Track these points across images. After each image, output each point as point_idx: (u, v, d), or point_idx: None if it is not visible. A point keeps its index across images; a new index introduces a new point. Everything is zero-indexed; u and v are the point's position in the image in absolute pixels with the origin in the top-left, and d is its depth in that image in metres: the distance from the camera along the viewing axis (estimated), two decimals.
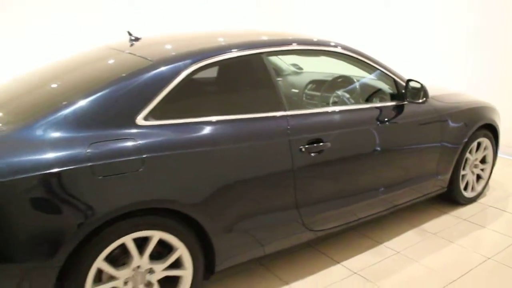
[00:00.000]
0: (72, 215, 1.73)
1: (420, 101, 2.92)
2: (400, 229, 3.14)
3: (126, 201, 1.82)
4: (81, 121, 1.83)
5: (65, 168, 1.71)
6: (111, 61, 2.26)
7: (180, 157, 1.95)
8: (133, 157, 1.84)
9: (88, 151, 1.77)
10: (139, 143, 1.87)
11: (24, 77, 2.45)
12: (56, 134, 1.77)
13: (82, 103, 1.87)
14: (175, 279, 2.12)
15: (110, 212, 1.79)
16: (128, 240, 1.90)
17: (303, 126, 2.36)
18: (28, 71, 2.55)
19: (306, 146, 2.32)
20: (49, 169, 1.68)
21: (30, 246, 1.69)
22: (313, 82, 3.56)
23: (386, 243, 2.94)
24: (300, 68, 3.88)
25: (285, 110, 2.32)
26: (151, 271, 2.02)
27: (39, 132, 1.76)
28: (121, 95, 1.92)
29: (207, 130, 2.06)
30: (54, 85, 2.18)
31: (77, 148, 1.76)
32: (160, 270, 2.04)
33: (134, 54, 2.20)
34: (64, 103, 1.86)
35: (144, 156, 1.86)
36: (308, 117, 2.43)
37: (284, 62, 3.78)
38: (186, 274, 2.10)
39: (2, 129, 1.79)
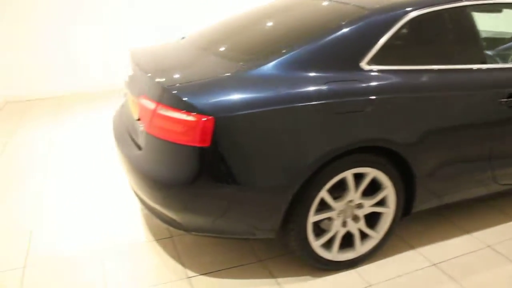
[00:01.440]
0: (309, 148, 1.93)
1: None
2: (492, 219, 2.76)
3: (354, 137, 1.99)
4: (312, 63, 2.00)
5: (304, 104, 1.90)
6: (325, 10, 2.40)
7: (399, 101, 2.07)
8: (361, 98, 1.99)
9: (324, 89, 1.94)
10: (365, 85, 2.01)
11: (236, 19, 2.74)
12: (291, 73, 1.97)
13: (311, 47, 2.03)
14: (376, 217, 2.29)
15: (341, 147, 1.97)
16: (349, 174, 2.08)
17: (504, 79, 2.37)
18: (236, 15, 2.86)
19: (506, 99, 2.33)
20: (291, 104, 1.89)
21: (272, 173, 1.92)
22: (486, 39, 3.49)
23: (475, 233, 2.64)
24: None
25: (487, 63, 2.36)
26: (359, 206, 2.20)
27: (275, 70, 1.96)
28: (345, 42, 2.06)
29: (422, 77, 2.15)
30: (273, 28, 2.41)
31: (314, 86, 1.94)
32: (368, 205, 2.21)
33: (348, 4, 2.32)
34: (293, 45, 2.04)
35: (370, 97, 2.00)
36: (508, 71, 2.43)
37: None
38: (389, 212, 2.26)
39: (242, 67, 2.02)
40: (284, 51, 2.03)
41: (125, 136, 2.41)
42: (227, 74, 1.98)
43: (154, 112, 1.94)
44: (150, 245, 2.50)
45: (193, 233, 2.07)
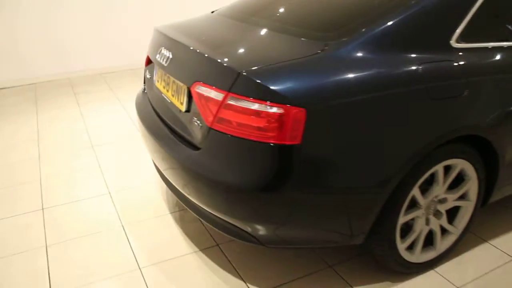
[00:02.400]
0: (410, 139, 1.67)
1: None
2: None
3: (455, 125, 1.75)
4: (404, 41, 1.72)
5: (406, 89, 1.64)
6: None
7: (493, 82, 1.85)
8: (458, 81, 1.75)
9: (422, 71, 1.68)
10: (460, 66, 1.77)
11: None
12: (382, 54, 1.67)
13: (395, 24, 1.73)
14: (454, 211, 2.08)
15: (442, 136, 1.73)
16: (440, 167, 1.85)
17: None
18: None
19: None
20: (390, 89, 1.61)
21: (370, 170, 1.65)
22: None
23: (492, 241, 2.31)
24: None
25: None
26: (442, 201, 1.99)
27: (364, 51, 1.66)
28: (431, 18, 1.80)
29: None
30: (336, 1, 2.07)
31: (411, 69, 1.67)
32: (452, 200, 2.00)
33: None
34: (374, 20, 1.74)
35: (466, 80, 1.77)
36: None
37: None
38: (470, 205, 2.06)
39: (324, 46, 1.70)
40: (363, 28, 1.72)
41: (163, 131, 2.05)
42: (310, 55, 1.66)
43: (222, 103, 1.61)
44: (196, 256, 2.18)
45: (270, 246, 1.77)
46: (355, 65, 1.62)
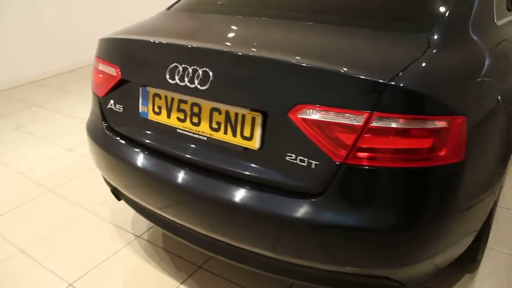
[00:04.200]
0: None
1: None
2: None
3: None
4: (475, 25, 1.53)
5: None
6: None
7: None
8: None
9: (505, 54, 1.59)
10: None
11: None
12: (476, 38, 1.49)
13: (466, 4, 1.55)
14: None
15: None
16: None
17: None
18: None
19: None
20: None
21: None
22: None
23: None
24: None
25: None
26: None
27: (461, 41, 1.45)
28: None
29: None
30: None
31: (497, 53, 1.56)
32: None
33: None
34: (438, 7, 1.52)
35: None
36: None
37: None
38: None
39: (427, 41, 1.40)
40: (437, 12, 1.49)
41: (191, 177, 1.51)
42: (426, 52, 1.34)
43: (363, 128, 1.20)
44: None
45: (411, 284, 1.45)
46: (473, 56, 1.44)
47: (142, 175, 1.62)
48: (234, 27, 1.75)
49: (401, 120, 1.19)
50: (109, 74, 1.74)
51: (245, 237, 1.44)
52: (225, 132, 1.44)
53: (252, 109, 1.36)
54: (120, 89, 1.73)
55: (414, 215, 1.27)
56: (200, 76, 1.42)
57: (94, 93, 1.88)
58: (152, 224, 2.26)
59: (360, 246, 1.31)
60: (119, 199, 2.04)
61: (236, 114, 1.40)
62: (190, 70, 1.45)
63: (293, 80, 1.29)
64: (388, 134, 1.20)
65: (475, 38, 1.49)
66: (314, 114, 1.26)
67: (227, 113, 1.42)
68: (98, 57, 1.82)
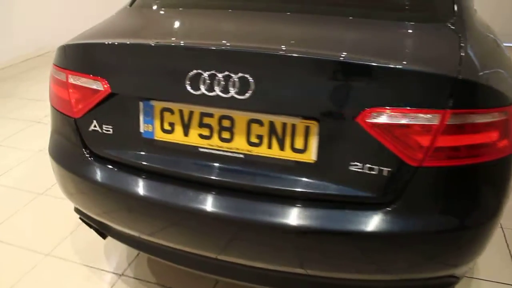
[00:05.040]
0: None
1: None
2: None
3: None
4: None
5: None
6: None
7: None
8: None
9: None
10: None
11: None
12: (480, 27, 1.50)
13: None
14: None
15: None
16: None
17: None
18: None
19: None
20: None
21: None
22: None
23: None
24: None
25: None
26: None
27: (477, 29, 1.45)
28: None
29: None
30: None
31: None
32: None
33: None
34: None
35: None
36: None
37: None
38: None
39: (454, 31, 1.37)
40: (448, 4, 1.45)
41: (221, 200, 1.29)
42: (465, 41, 1.30)
43: (439, 128, 1.11)
44: None
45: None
46: (494, 44, 1.46)
47: (151, 206, 1.35)
48: (253, 24, 1.53)
49: (476, 115, 1.13)
50: (91, 89, 1.40)
51: (311, 262, 1.26)
52: (269, 147, 1.24)
53: (305, 117, 1.19)
54: (107, 106, 1.40)
55: (490, 209, 1.23)
56: (237, 83, 1.20)
57: (62, 113, 1.52)
58: (131, 257, 1.95)
59: (441, 248, 1.23)
60: (104, 237, 1.71)
61: (284, 125, 1.21)
62: (220, 77, 1.21)
63: (359, 82, 1.15)
64: (464, 131, 1.13)
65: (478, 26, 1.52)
66: (385, 118, 1.13)
67: (271, 124, 1.22)
68: (67, 69, 1.46)
